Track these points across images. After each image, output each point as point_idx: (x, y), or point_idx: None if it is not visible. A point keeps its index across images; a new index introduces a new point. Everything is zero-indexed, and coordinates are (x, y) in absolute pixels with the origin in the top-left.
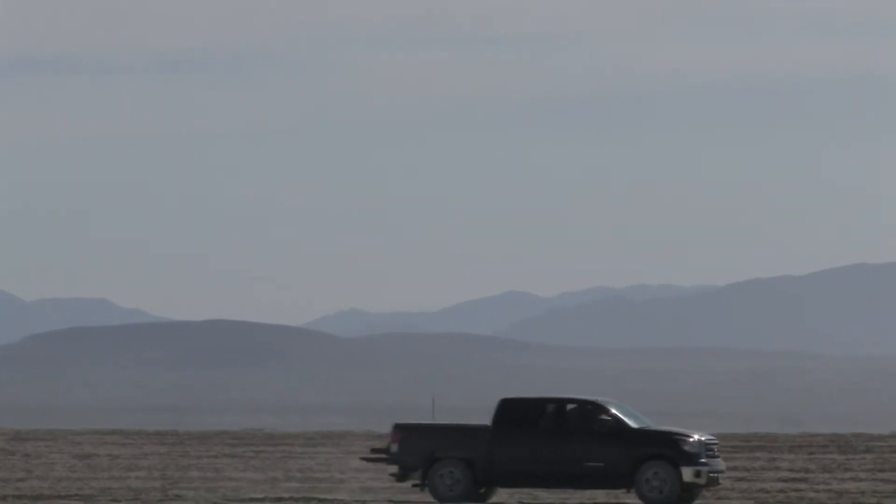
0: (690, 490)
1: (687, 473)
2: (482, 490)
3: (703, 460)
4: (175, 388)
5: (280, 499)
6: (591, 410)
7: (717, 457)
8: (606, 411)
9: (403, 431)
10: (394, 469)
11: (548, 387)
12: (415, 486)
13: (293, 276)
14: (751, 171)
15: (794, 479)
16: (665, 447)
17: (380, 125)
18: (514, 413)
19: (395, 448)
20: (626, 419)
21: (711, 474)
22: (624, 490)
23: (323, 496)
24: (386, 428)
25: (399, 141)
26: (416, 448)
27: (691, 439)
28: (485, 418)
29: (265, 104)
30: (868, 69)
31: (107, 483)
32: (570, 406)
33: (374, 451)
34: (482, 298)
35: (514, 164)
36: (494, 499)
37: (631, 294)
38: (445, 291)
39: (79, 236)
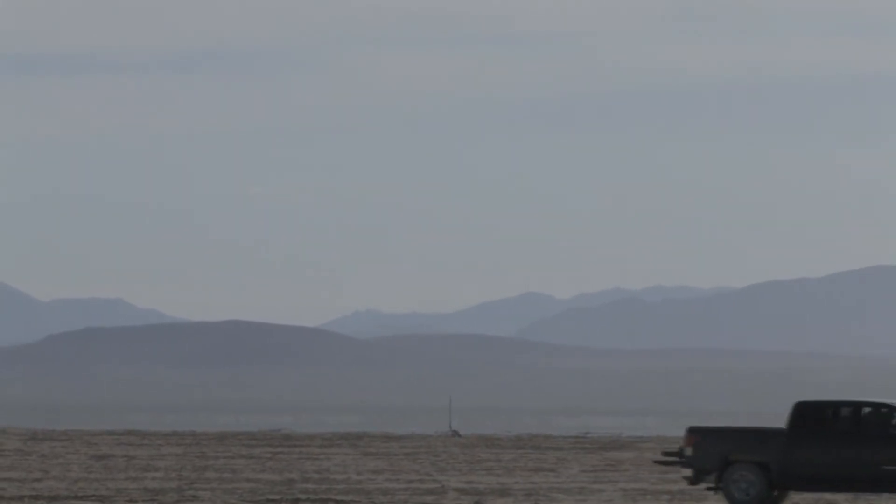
0: None
1: None
2: (776, 493)
3: None
4: (191, 388)
5: (297, 500)
6: (886, 414)
7: None
8: None
9: (698, 435)
10: (687, 472)
11: (556, 387)
12: (709, 489)
13: (309, 276)
14: (766, 173)
15: None
16: None
17: (387, 125)
18: (809, 416)
19: (689, 451)
20: None
21: None
22: None
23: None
24: (397, 428)
25: (410, 141)
26: (711, 451)
27: None
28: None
29: (272, 104)
30: (871, 69)
31: (123, 484)
32: (865, 409)
33: (665, 453)
34: (499, 300)
35: (528, 165)
36: (788, 503)
37: (647, 295)
38: (462, 293)
39: (95, 237)
